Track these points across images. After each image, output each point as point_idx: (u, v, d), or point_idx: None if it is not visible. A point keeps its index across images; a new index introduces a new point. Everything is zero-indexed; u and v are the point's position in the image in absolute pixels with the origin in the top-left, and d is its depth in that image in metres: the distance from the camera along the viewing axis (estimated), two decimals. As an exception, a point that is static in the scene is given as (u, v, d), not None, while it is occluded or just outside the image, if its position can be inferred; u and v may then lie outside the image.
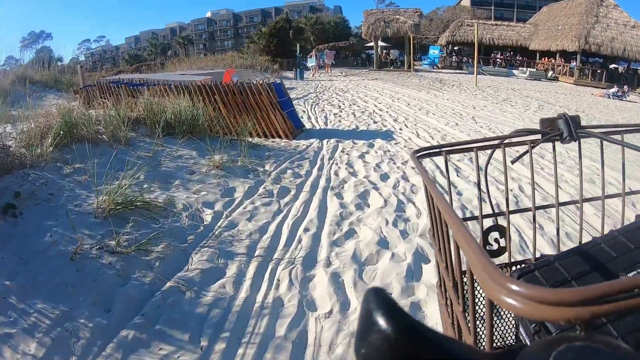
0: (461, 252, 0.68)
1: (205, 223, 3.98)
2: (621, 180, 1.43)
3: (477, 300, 1.39)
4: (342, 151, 7.02)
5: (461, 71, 33.49)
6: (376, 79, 23.98)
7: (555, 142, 1.42)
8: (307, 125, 9.52)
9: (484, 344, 1.02)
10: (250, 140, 7.27)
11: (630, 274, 0.94)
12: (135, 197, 3.92)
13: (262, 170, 5.67)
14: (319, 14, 52.07)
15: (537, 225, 1.77)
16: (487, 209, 1.55)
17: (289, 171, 5.73)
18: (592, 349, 0.30)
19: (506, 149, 1.45)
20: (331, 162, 6.34)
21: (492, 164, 1.73)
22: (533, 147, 1.44)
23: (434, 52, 37.77)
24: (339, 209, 4.46)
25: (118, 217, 3.62)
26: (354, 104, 13.01)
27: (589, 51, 30.50)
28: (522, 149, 1.47)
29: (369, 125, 9.56)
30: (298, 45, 24.90)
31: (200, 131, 6.70)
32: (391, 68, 33.89)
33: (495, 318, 1.44)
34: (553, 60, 33.61)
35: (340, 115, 10.91)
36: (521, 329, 0.95)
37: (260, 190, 4.92)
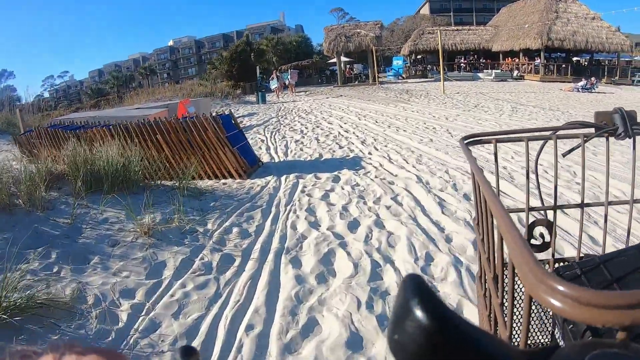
0: (504, 244, 0.68)
1: (119, 325, 2.93)
2: None
3: (516, 294, 1.34)
4: (303, 191, 5.95)
5: (426, 79, 32.86)
6: (341, 95, 23.02)
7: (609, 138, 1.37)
8: (265, 158, 8.50)
9: (518, 339, 0.98)
10: (197, 184, 6.25)
11: None
12: (33, 294, 2.91)
13: (203, 231, 4.53)
14: (280, 35, 51.34)
15: (583, 223, 1.53)
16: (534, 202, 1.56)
17: (236, 229, 4.59)
18: (626, 357, 0.30)
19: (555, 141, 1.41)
20: (288, 208, 5.26)
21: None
22: (586, 141, 1.37)
23: (397, 62, 37.31)
24: (295, 285, 3.39)
25: (6, 329, 2.61)
26: (318, 127, 11.96)
27: (552, 47, 30.49)
28: (573, 142, 1.38)
29: (334, 151, 8.51)
30: (258, 67, 23.76)
31: (134, 182, 5.62)
32: (356, 83, 33.03)
33: (532, 315, 1.35)
34: (517, 60, 33.41)
35: (302, 142, 9.84)
36: (557, 329, 1.01)
37: (196, 263, 3.81)
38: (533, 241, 1.37)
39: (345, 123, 12.20)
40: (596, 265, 0.99)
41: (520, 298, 1.39)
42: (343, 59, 33.92)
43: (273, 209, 5.28)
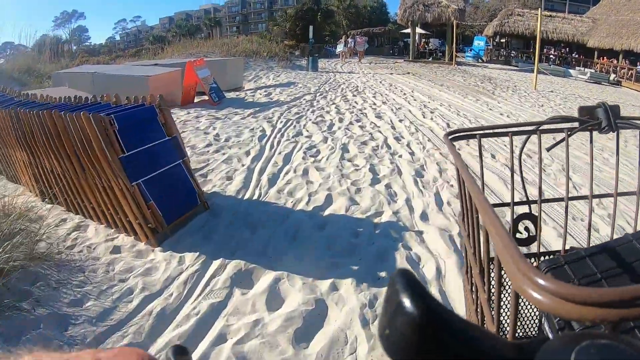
0: (490, 239, 0.68)
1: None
2: None
3: (503, 289, 1.25)
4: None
5: (510, 67, 27.47)
6: (408, 73, 18.29)
7: (593, 132, 1.36)
8: (238, 179, 4.66)
9: (507, 333, 0.95)
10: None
11: None
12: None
13: None
14: (353, -3, 46.08)
15: (570, 217, 1.58)
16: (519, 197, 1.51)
17: None
18: (616, 348, 0.29)
19: (537, 136, 1.41)
20: None
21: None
22: (570, 135, 1.38)
23: (479, 43, 32.13)
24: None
25: None
26: (358, 122, 7.56)
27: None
28: (558, 136, 1.42)
29: (359, 193, 4.28)
30: (311, 28, 19.36)
31: None
32: (430, 59, 27.94)
33: (519, 308, 1.33)
34: (615, 61, 27.17)
35: (317, 153, 5.61)
36: (545, 322, 0.94)
37: None
38: (518, 235, 1.36)
39: (401, 120, 7.76)
40: (582, 258, 0.99)
41: (507, 292, 1.29)
42: (418, 30, 28.73)
43: None
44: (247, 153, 5.55)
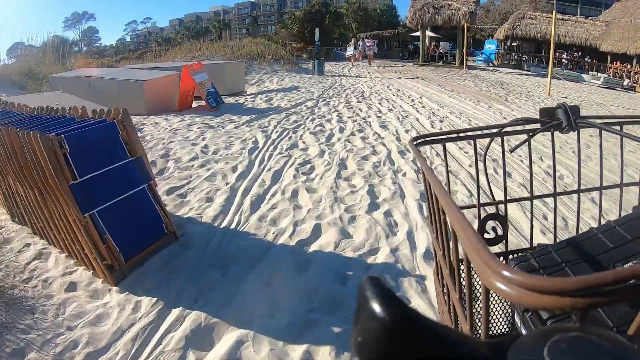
0: (458, 239, 0.70)
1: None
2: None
3: (474, 288, 1.35)
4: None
5: (521, 71, 26.76)
6: (417, 77, 17.60)
7: (555, 132, 1.40)
8: (219, 200, 4.13)
9: (480, 331, 0.84)
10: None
11: (627, 265, 0.92)
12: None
13: None
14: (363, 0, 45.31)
15: (534, 215, 1.68)
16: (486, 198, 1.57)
17: None
18: (586, 339, 0.30)
19: (505, 138, 1.44)
20: None
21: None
22: (532, 137, 1.42)
23: (490, 47, 31.77)
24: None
25: None
26: (361, 132, 6.92)
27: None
28: (522, 137, 1.45)
29: (353, 229, 3.62)
30: (317, 30, 18.66)
31: None
32: (440, 63, 27.23)
33: (492, 306, 1.41)
34: (629, 66, 26.28)
35: (309, 176, 4.88)
36: (516, 318, 0.97)
37: None
38: (486, 235, 1.37)
39: (407, 131, 7.08)
40: (548, 253, 1.02)
41: (478, 291, 1.35)
42: (428, 33, 28.08)
43: None
44: (234, 169, 4.97)
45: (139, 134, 6.91)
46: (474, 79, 18.25)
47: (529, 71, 26.15)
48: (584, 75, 25.69)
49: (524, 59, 30.69)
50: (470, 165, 5.24)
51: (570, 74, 25.48)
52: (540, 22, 30.74)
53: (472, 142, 1.42)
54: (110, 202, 2.98)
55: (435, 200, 1.03)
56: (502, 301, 1.40)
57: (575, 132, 1.36)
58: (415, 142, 1.24)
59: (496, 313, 1.41)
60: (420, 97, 11.40)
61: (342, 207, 3.87)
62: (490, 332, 1.35)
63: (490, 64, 30.04)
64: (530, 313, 0.90)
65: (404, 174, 4.83)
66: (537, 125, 1.39)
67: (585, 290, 0.35)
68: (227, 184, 4.53)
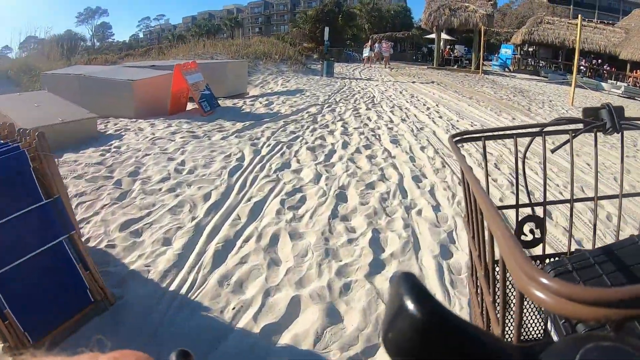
0: (495, 241, 0.67)
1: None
2: None
3: (508, 291, 1.24)
4: None
5: (539, 77, 25.61)
6: (432, 82, 16.47)
7: (598, 133, 1.35)
8: (167, 257, 3.05)
9: (512, 335, 0.89)
10: None
11: None
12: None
13: None
14: (376, 0, 44.04)
15: (573, 218, 1.54)
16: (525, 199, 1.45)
17: None
18: (620, 349, 0.29)
19: (546, 138, 1.38)
20: None
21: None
22: (574, 137, 1.37)
23: (506, 51, 30.41)
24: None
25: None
26: (367, 147, 5.88)
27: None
28: (563, 138, 1.41)
29: (344, 310, 2.54)
30: (326, 29, 17.44)
31: None
32: (455, 67, 26.07)
33: (524, 311, 1.33)
34: (650, 76, 25.14)
35: (296, 212, 3.80)
36: (550, 324, 0.95)
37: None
38: (523, 237, 1.33)
39: (423, 148, 5.95)
40: (586, 259, 0.98)
41: (512, 294, 1.26)
42: (443, 36, 26.92)
43: None
44: (207, 197, 3.96)
45: (117, 142, 5.97)
46: (492, 85, 17.14)
47: (547, 78, 25.08)
48: (603, 84, 24.43)
49: (540, 64, 29.62)
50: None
51: (590, 82, 24.22)
52: (558, 27, 29.75)
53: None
54: (12, 264, 2.05)
55: (473, 199, 1.01)
56: (536, 306, 1.30)
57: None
58: (454, 139, 1.19)
59: (529, 318, 1.33)
60: (437, 105, 10.34)
61: (333, 266, 2.83)
62: (522, 337, 1.27)
63: (507, 70, 28.91)
64: (563, 320, 0.86)
65: (419, 212, 3.77)
66: (580, 126, 1.32)
67: (622, 302, 0.34)
68: (193, 219, 3.54)
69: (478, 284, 1.17)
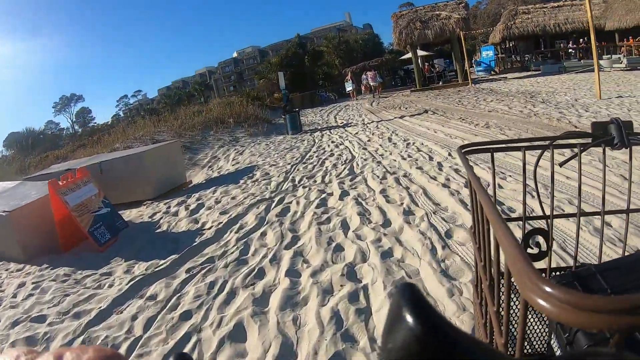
0: (501, 252, 0.67)
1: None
2: None
3: (512, 302, 1.21)
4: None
5: (531, 72, 22.61)
6: (425, 111, 12.63)
7: (606, 148, 1.28)
8: None
9: (515, 347, 0.81)
10: None
11: None
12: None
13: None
14: (342, 34, 41.20)
15: (580, 232, 1.46)
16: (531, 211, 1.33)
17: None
18: None
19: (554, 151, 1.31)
20: None
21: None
22: (583, 151, 1.29)
23: (487, 53, 27.67)
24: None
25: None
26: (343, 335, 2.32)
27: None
28: (571, 152, 1.36)
29: None
30: (281, 75, 14.22)
31: None
32: (439, 84, 22.66)
33: (528, 323, 1.28)
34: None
35: None
36: (553, 338, 0.92)
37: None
38: (529, 250, 1.24)
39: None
40: (592, 274, 0.92)
41: (516, 307, 1.22)
42: (420, 52, 23.71)
43: None
44: None
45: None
46: (494, 96, 13.56)
47: (539, 71, 22.05)
48: (600, 62, 21.00)
49: (526, 58, 27.20)
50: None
51: (588, 63, 20.87)
52: (535, 15, 27.05)
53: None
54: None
55: (480, 209, 0.99)
56: (540, 321, 1.26)
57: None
58: (463, 150, 1.19)
59: (533, 332, 1.27)
60: (448, 155, 6.63)
61: None
62: (525, 351, 1.23)
63: (492, 72, 26.31)
64: (567, 334, 0.82)
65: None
66: (589, 140, 1.26)
67: (623, 311, 0.33)
68: None
69: (482, 294, 1.09)
